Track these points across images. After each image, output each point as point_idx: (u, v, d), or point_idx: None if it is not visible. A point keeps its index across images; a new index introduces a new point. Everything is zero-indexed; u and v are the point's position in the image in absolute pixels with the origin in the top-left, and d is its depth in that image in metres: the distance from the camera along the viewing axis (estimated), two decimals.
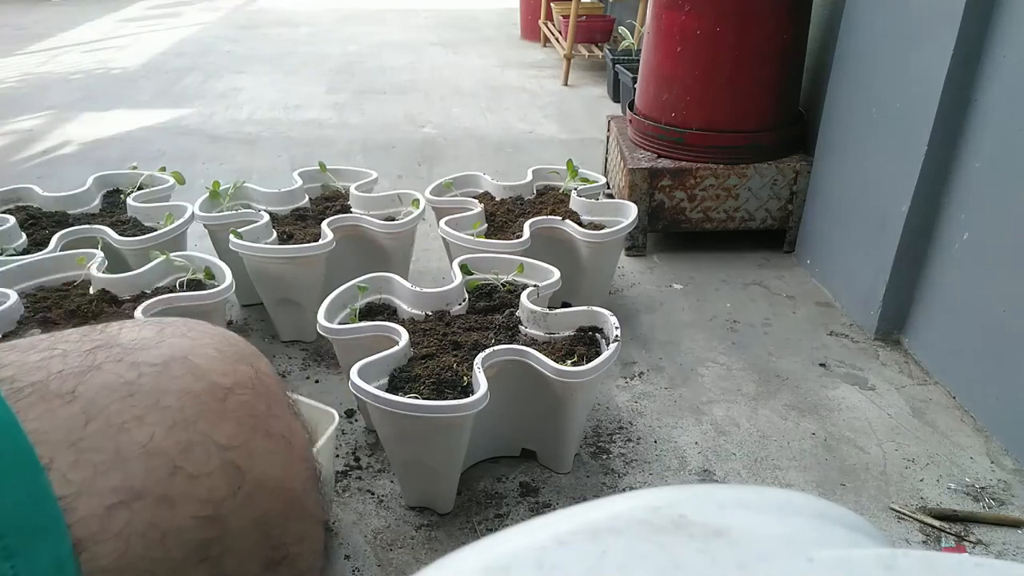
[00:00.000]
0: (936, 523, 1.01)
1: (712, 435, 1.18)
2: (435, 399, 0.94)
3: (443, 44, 4.14)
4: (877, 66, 1.41)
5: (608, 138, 2.04)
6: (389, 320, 1.10)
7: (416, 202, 1.45)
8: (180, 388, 0.34)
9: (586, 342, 1.08)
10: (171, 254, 1.21)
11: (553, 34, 3.66)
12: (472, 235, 1.33)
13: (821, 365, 1.36)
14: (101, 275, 1.16)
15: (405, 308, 1.15)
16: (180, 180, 1.54)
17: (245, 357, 0.39)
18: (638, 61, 1.92)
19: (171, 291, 1.16)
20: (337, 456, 1.12)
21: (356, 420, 1.20)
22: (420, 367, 1.01)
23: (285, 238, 1.37)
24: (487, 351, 0.99)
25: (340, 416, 1.20)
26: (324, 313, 1.06)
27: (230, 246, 1.28)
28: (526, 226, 1.34)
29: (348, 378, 0.93)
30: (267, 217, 1.36)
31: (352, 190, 1.50)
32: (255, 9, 5.25)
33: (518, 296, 1.14)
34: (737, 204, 1.71)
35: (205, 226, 1.42)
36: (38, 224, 1.38)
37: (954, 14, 1.17)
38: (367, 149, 2.46)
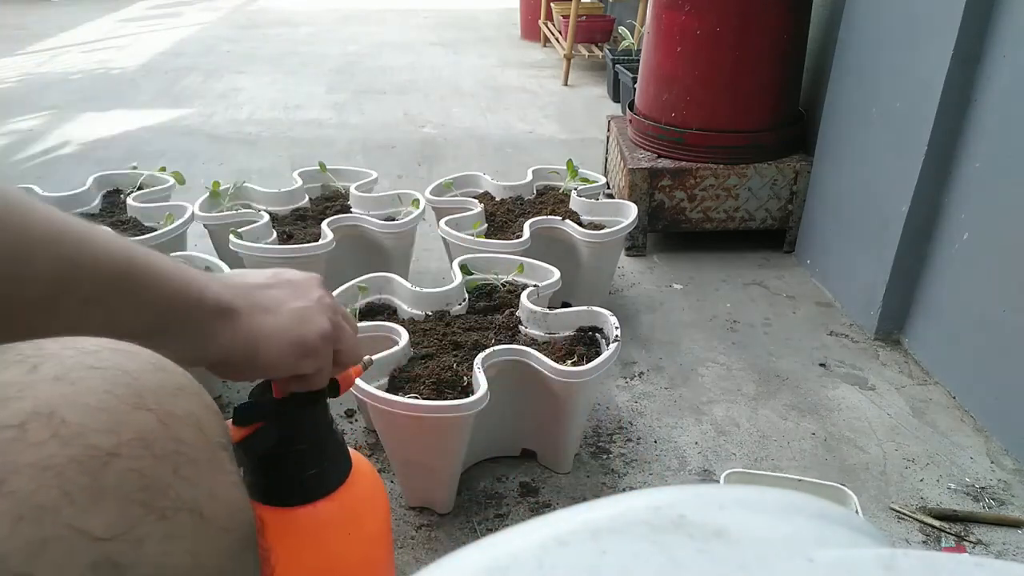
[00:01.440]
0: (936, 523, 1.01)
1: (712, 435, 1.18)
2: (435, 399, 0.94)
3: (443, 44, 4.14)
4: (877, 66, 1.41)
5: (608, 138, 2.04)
6: (389, 320, 1.10)
7: (416, 202, 1.45)
8: (36, 461, 0.25)
9: (586, 342, 1.08)
10: (171, 254, 1.21)
11: (553, 34, 3.66)
12: (472, 235, 1.33)
13: (821, 365, 1.36)
14: None
15: (405, 308, 1.15)
16: (180, 180, 1.54)
17: (147, 399, 0.29)
18: (638, 61, 1.92)
19: None
20: None
21: (356, 420, 1.20)
22: (420, 367, 1.01)
23: (285, 238, 1.37)
24: (487, 351, 0.99)
25: (340, 416, 1.20)
26: None
27: (230, 246, 1.28)
28: (526, 226, 1.34)
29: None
30: (267, 217, 1.36)
31: (352, 190, 1.50)
32: (255, 9, 5.25)
33: (518, 296, 1.14)
34: (737, 204, 1.71)
35: (205, 226, 1.42)
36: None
37: (954, 14, 1.17)
38: (367, 149, 2.46)
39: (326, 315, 0.52)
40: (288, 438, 0.57)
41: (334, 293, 1.11)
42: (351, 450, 0.66)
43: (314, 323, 0.50)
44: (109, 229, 0.40)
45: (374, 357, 0.97)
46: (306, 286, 0.52)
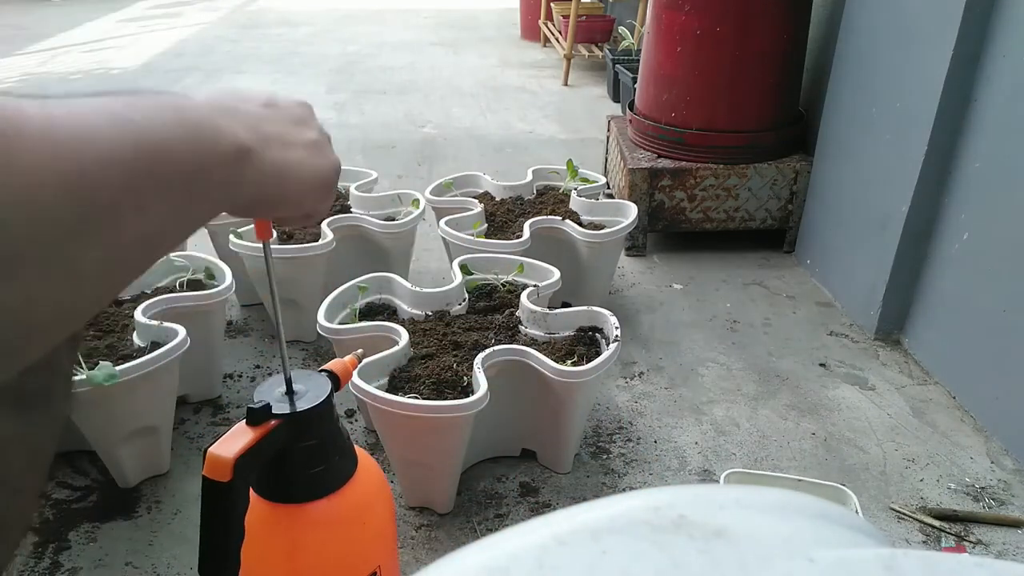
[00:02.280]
0: (936, 523, 1.01)
1: (712, 435, 1.18)
2: (435, 399, 0.94)
3: (443, 44, 4.14)
4: (877, 66, 1.41)
5: (608, 138, 2.04)
6: (389, 320, 1.10)
7: (416, 202, 1.45)
8: None
9: (586, 342, 1.08)
10: (171, 254, 1.21)
11: (553, 34, 3.66)
12: (472, 235, 1.33)
13: (821, 365, 1.36)
14: None
15: (405, 308, 1.15)
16: None
17: None
18: (638, 61, 1.92)
19: (171, 291, 1.16)
20: None
21: (356, 420, 1.20)
22: (420, 367, 1.01)
23: (285, 238, 1.37)
24: (487, 351, 0.99)
25: (341, 415, 1.20)
26: (324, 313, 1.06)
27: (230, 246, 1.28)
28: (526, 226, 1.34)
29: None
30: None
31: (352, 190, 1.50)
32: (255, 9, 5.25)
33: (518, 296, 1.14)
34: (737, 204, 1.71)
35: (205, 225, 1.42)
36: None
37: (954, 14, 1.17)
38: (367, 149, 2.46)
39: (329, 144, 0.51)
40: (301, 435, 0.58)
41: (334, 293, 1.11)
42: (357, 448, 0.66)
43: (328, 156, 0.49)
44: (84, 98, 0.33)
45: (382, 353, 0.98)
46: (304, 115, 0.50)
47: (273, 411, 0.56)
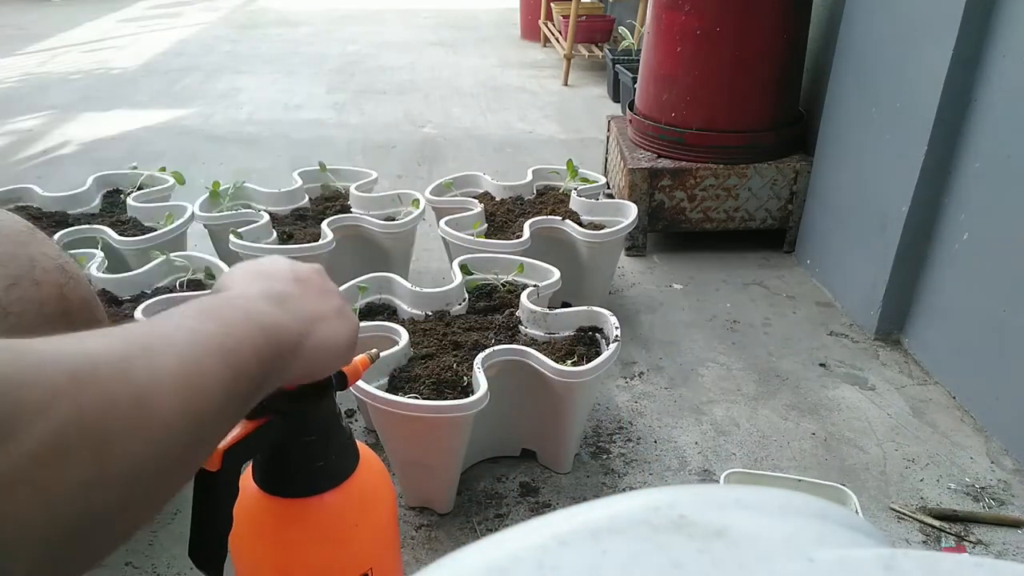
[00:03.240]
0: (936, 523, 1.01)
1: (712, 435, 1.18)
2: (435, 399, 0.94)
3: (443, 44, 4.14)
4: (877, 66, 1.41)
5: (608, 138, 2.04)
6: (389, 320, 1.10)
7: (416, 202, 1.45)
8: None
9: (586, 342, 1.08)
10: (171, 254, 1.21)
11: (553, 34, 3.66)
12: (472, 235, 1.33)
13: (821, 365, 1.36)
14: (101, 275, 1.16)
15: (405, 308, 1.15)
16: (180, 180, 1.54)
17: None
18: (638, 61, 1.92)
19: (171, 291, 1.16)
20: None
21: (356, 420, 1.20)
22: (420, 367, 1.01)
23: (285, 238, 1.37)
24: (487, 351, 0.99)
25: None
26: None
27: (230, 246, 1.28)
28: (526, 226, 1.34)
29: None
30: (267, 217, 1.36)
31: (352, 190, 1.50)
32: (255, 9, 5.25)
33: (518, 296, 1.14)
34: (737, 204, 1.71)
35: (205, 226, 1.42)
36: (38, 224, 1.37)
37: (954, 14, 1.17)
38: (367, 149, 2.47)
39: (345, 303, 0.55)
40: (297, 430, 0.58)
41: None
42: (359, 443, 0.66)
43: (351, 318, 0.54)
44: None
45: (382, 353, 0.97)
46: (325, 282, 0.55)
47: (268, 404, 0.56)
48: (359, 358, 0.66)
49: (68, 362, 0.31)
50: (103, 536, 0.32)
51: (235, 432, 0.54)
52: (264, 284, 0.49)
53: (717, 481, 1.06)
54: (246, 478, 0.62)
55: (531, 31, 4.23)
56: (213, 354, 0.38)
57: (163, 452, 0.33)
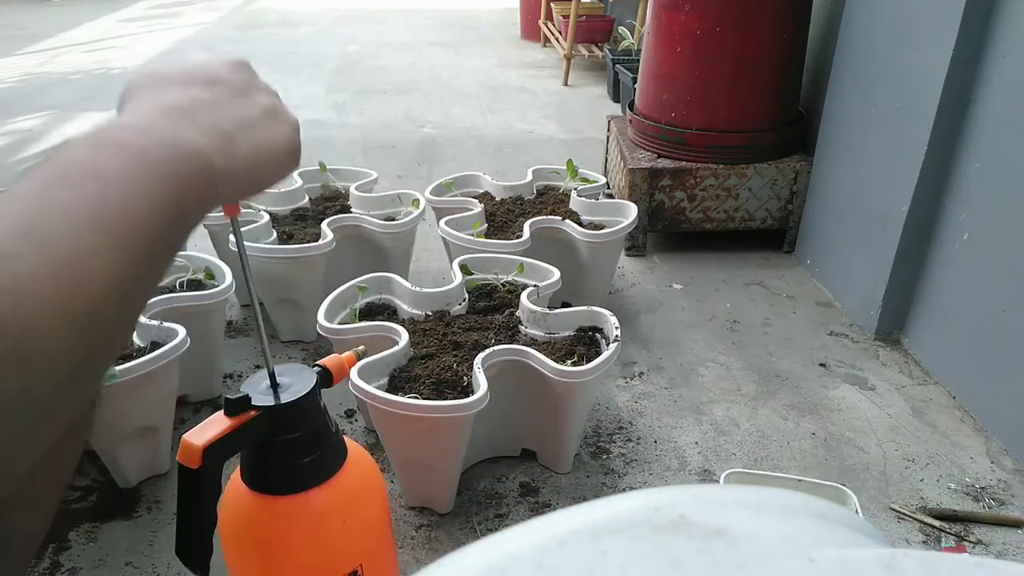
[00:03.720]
0: (936, 523, 1.01)
1: (712, 435, 1.18)
2: (435, 399, 0.94)
3: (443, 44, 4.14)
4: (877, 66, 1.41)
5: (608, 138, 2.04)
6: (389, 320, 1.10)
7: (416, 202, 1.45)
8: None
9: (586, 342, 1.08)
10: None
11: (553, 34, 3.66)
12: (472, 235, 1.33)
13: (821, 365, 1.36)
14: None
15: (405, 308, 1.15)
16: None
17: None
18: (638, 61, 1.92)
19: (171, 291, 1.16)
20: None
21: (356, 420, 1.20)
22: (420, 367, 1.01)
23: (285, 238, 1.37)
24: (487, 351, 0.99)
25: (340, 416, 1.20)
26: (324, 313, 1.06)
27: (230, 246, 1.28)
28: (526, 226, 1.34)
29: (348, 378, 0.93)
30: (267, 217, 1.36)
31: (352, 190, 1.50)
32: (255, 9, 5.25)
33: (518, 296, 1.14)
34: (737, 204, 1.71)
35: (205, 226, 1.42)
36: None
37: (954, 14, 1.17)
38: (367, 149, 2.46)
39: (279, 101, 0.47)
40: (281, 427, 0.58)
41: (334, 293, 1.11)
42: (347, 439, 0.66)
43: (287, 118, 0.46)
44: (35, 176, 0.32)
45: (382, 353, 0.97)
46: (248, 79, 0.46)
47: (253, 403, 0.57)
48: (345, 355, 0.66)
49: None
50: (31, 420, 0.28)
51: (215, 429, 0.54)
52: (168, 95, 0.41)
53: (717, 481, 1.06)
54: (235, 477, 0.63)
55: (531, 31, 4.23)
56: (89, 234, 0.31)
57: (51, 374, 0.28)
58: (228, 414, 0.56)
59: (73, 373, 0.30)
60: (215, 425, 0.55)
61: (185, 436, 0.53)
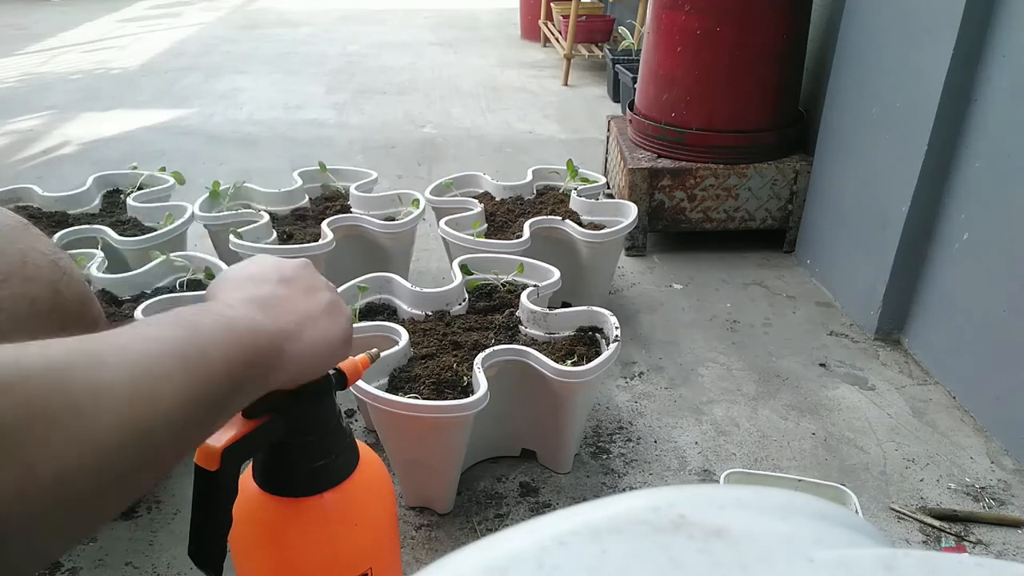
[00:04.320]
0: (936, 523, 1.01)
1: (712, 435, 1.18)
2: (435, 399, 0.94)
3: (443, 44, 4.14)
4: (877, 66, 1.41)
5: (608, 138, 2.04)
6: (389, 320, 1.10)
7: (416, 202, 1.45)
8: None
9: (586, 342, 1.08)
10: (171, 254, 1.21)
11: (553, 34, 3.67)
12: (472, 235, 1.33)
13: (821, 365, 1.36)
14: (101, 275, 1.16)
15: (405, 308, 1.15)
16: (180, 180, 1.54)
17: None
18: (638, 61, 1.92)
19: (171, 291, 1.16)
20: None
21: (356, 420, 1.20)
22: (420, 367, 1.01)
23: (285, 238, 1.37)
24: (487, 351, 0.99)
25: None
26: None
27: (230, 246, 1.28)
28: (526, 226, 1.34)
29: None
30: (267, 217, 1.36)
31: (352, 190, 1.50)
32: (255, 9, 5.25)
33: (518, 296, 1.14)
34: (737, 204, 1.71)
35: (205, 226, 1.42)
36: (38, 224, 1.37)
37: (954, 14, 1.17)
38: (367, 149, 2.47)
39: (337, 295, 0.54)
40: (297, 430, 0.58)
41: None
42: (359, 442, 0.66)
43: (343, 312, 0.53)
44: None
45: (383, 353, 0.97)
46: (313, 278, 0.54)
47: (272, 404, 0.57)
48: (360, 357, 0.66)
49: None
50: (31, 548, 0.31)
51: (233, 431, 0.54)
52: (248, 290, 0.49)
53: (717, 481, 1.06)
54: (246, 478, 0.63)
55: (531, 31, 4.23)
56: (172, 361, 0.37)
57: (99, 465, 0.32)
58: (246, 416, 0.56)
59: (117, 479, 0.34)
60: (233, 427, 0.55)
61: None
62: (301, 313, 0.49)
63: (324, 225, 1.34)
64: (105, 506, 0.34)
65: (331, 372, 0.62)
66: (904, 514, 1.03)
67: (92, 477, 0.32)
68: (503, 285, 1.21)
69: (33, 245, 0.55)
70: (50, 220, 1.40)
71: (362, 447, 0.67)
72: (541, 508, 1.05)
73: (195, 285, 1.20)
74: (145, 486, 0.37)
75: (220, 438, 0.53)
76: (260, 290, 0.49)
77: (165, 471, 0.38)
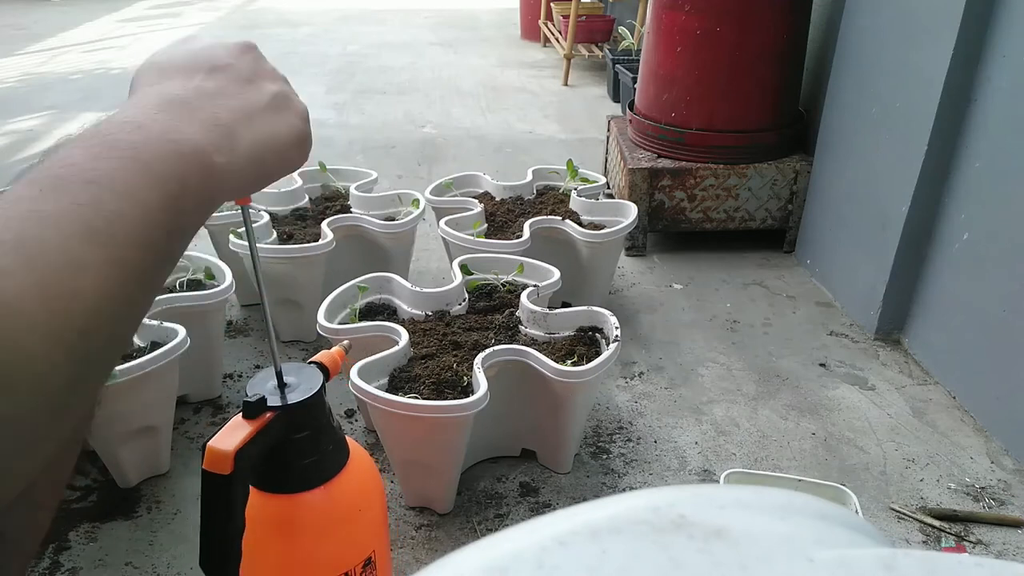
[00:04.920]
0: (936, 523, 1.01)
1: (712, 435, 1.18)
2: (435, 399, 0.94)
3: (443, 44, 4.14)
4: (877, 66, 1.41)
5: (608, 138, 2.04)
6: (389, 320, 1.10)
7: (416, 202, 1.45)
8: None
9: (586, 342, 1.08)
10: None
11: (553, 34, 3.67)
12: (472, 235, 1.33)
13: (821, 365, 1.36)
14: None
15: (405, 308, 1.15)
16: None
17: None
18: (638, 61, 1.92)
19: (171, 291, 1.16)
20: None
21: (356, 420, 1.20)
22: (420, 367, 1.01)
23: (285, 238, 1.37)
24: (487, 351, 0.99)
25: (340, 416, 1.20)
26: (324, 313, 1.06)
27: (230, 246, 1.28)
28: (526, 226, 1.34)
29: (348, 378, 0.93)
30: (267, 217, 1.36)
31: (352, 190, 1.50)
32: (255, 9, 5.25)
33: (518, 296, 1.14)
34: (737, 204, 1.71)
35: (205, 226, 1.42)
36: None
37: (954, 14, 1.17)
38: (367, 149, 2.46)
39: (288, 87, 0.44)
40: (295, 426, 0.58)
41: (334, 293, 1.11)
42: (350, 440, 0.66)
43: (295, 105, 0.44)
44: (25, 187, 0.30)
45: (383, 353, 0.98)
46: (255, 64, 0.43)
47: (268, 403, 0.57)
48: (335, 349, 0.67)
49: None
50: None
51: (241, 434, 0.54)
52: (171, 85, 0.39)
53: (717, 481, 1.06)
54: None
55: (531, 31, 4.23)
56: (79, 246, 0.29)
57: (39, 398, 0.27)
58: (247, 417, 0.56)
59: (65, 395, 0.28)
60: (238, 429, 0.55)
61: (211, 443, 0.53)
62: (235, 111, 0.39)
63: (324, 225, 1.34)
64: (68, 416, 0.29)
65: (318, 368, 0.63)
66: (904, 514, 1.03)
67: (35, 415, 0.27)
68: (503, 285, 1.21)
69: None
70: None
71: (351, 443, 0.67)
72: (541, 508, 1.05)
73: (195, 285, 1.20)
74: (107, 372, 0.32)
75: (230, 441, 0.53)
76: (186, 84, 0.39)
77: (121, 350, 0.32)
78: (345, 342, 0.70)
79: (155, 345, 1.02)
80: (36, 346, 0.26)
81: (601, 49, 3.34)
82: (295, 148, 0.43)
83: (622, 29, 2.98)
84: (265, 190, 1.49)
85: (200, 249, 1.37)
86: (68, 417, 0.29)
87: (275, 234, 1.36)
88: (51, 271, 0.28)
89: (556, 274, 1.18)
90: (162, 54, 0.42)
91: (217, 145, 0.37)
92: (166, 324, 1.04)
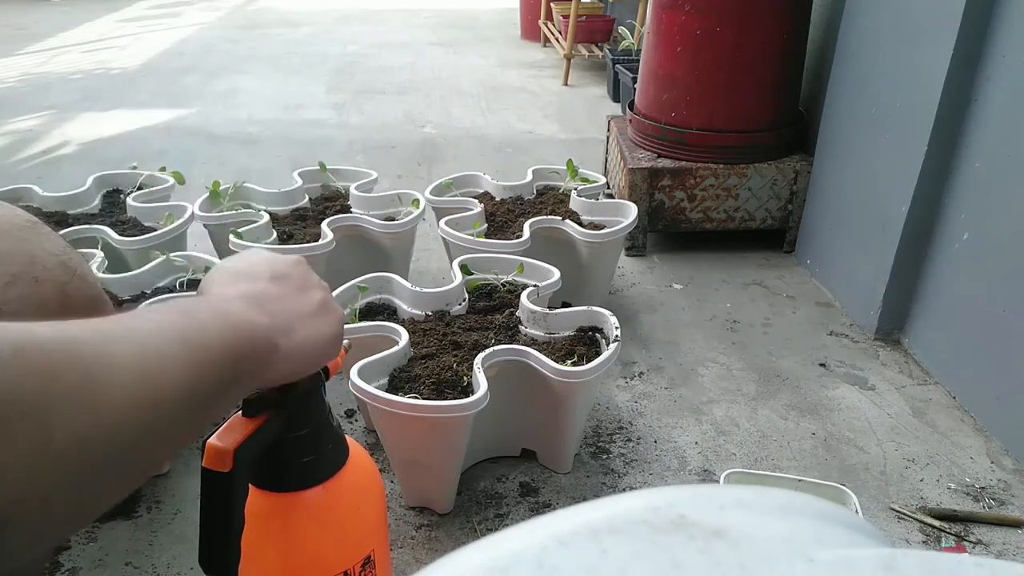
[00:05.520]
0: (936, 523, 1.01)
1: (712, 435, 1.18)
2: (435, 399, 0.94)
3: (443, 44, 4.14)
4: (877, 66, 1.41)
5: (608, 138, 2.04)
6: (389, 320, 1.10)
7: (416, 202, 1.45)
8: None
9: (586, 342, 1.08)
10: (171, 254, 1.21)
11: (553, 34, 3.67)
12: (472, 235, 1.33)
13: (821, 365, 1.36)
14: (101, 275, 1.16)
15: (405, 308, 1.15)
16: (180, 180, 1.54)
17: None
18: (638, 61, 1.92)
19: (171, 291, 1.16)
20: None
21: (356, 420, 1.20)
22: (420, 367, 1.01)
23: (285, 238, 1.37)
24: (487, 351, 0.99)
25: (340, 416, 1.20)
26: None
27: (230, 246, 1.28)
28: (526, 226, 1.34)
29: (348, 378, 0.93)
30: (267, 217, 1.36)
31: (352, 190, 1.50)
32: (255, 9, 5.25)
33: (518, 296, 1.14)
34: (737, 204, 1.71)
35: (205, 226, 1.42)
36: None
37: (954, 14, 1.17)
38: (367, 149, 2.46)
39: (329, 295, 0.55)
40: (295, 424, 0.59)
41: (334, 293, 1.11)
42: (349, 439, 0.67)
43: (334, 312, 0.54)
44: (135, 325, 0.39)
45: (383, 353, 0.98)
46: (305, 277, 0.54)
47: (267, 401, 0.57)
48: None
49: (12, 338, 0.30)
50: (46, 521, 0.31)
51: (240, 431, 0.54)
52: (242, 286, 0.49)
53: (717, 481, 1.06)
54: None
55: (531, 31, 4.23)
56: (176, 344, 0.38)
57: (112, 435, 0.33)
58: (247, 415, 0.56)
59: (125, 454, 0.34)
60: (238, 427, 0.55)
61: (210, 440, 0.54)
62: (293, 312, 0.50)
63: (324, 225, 1.34)
64: (112, 483, 0.35)
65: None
66: (904, 514, 1.03)
67: (104, 446, 0.32)
68: (503, 285, 1.21)
69: (42, 245, 0.54)
70: (50, 220, 1.40)
71: (350, 442, 0.67)
72: (541, 508, 1.05)
73: (195, 285, 1.20)
74: (147, 469, 0.38)
75: (230, 439, 0.53)
76: (253, 287, 0.49)
77: (165, 456, 0.39)
78: (345, 342, 0.70)
79: None
80: (123, 397, 0.34)
81: (601, 49, 3.34)
82: (332, 346, 0.54)
83: (622, 29, 2.98)
84: (265, 190, 1.49)
85: (200, 249, 1.37)
86: (128, 472, 0.36)
87: (275, 234, 1.36)
88: (150, 352, 0.37)
89: (556, 274, 1.18)
90: (230, 263, 0.53)
91: (279, 332, 0.47)
92: None
